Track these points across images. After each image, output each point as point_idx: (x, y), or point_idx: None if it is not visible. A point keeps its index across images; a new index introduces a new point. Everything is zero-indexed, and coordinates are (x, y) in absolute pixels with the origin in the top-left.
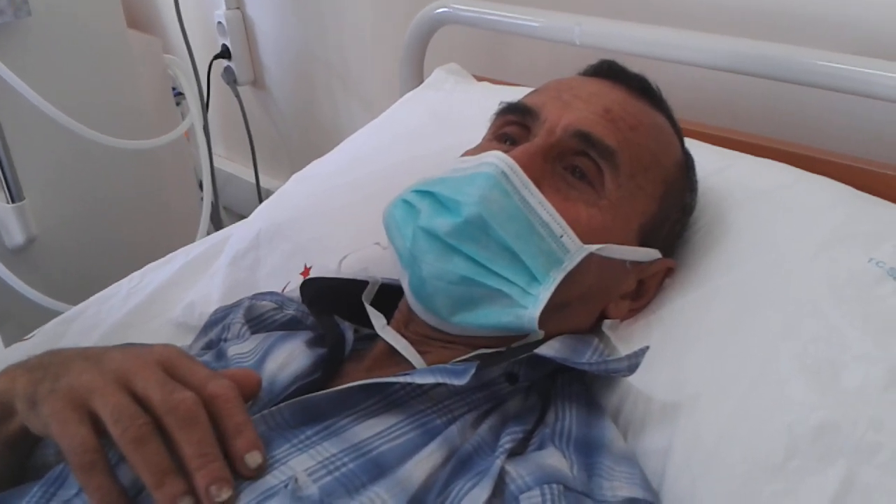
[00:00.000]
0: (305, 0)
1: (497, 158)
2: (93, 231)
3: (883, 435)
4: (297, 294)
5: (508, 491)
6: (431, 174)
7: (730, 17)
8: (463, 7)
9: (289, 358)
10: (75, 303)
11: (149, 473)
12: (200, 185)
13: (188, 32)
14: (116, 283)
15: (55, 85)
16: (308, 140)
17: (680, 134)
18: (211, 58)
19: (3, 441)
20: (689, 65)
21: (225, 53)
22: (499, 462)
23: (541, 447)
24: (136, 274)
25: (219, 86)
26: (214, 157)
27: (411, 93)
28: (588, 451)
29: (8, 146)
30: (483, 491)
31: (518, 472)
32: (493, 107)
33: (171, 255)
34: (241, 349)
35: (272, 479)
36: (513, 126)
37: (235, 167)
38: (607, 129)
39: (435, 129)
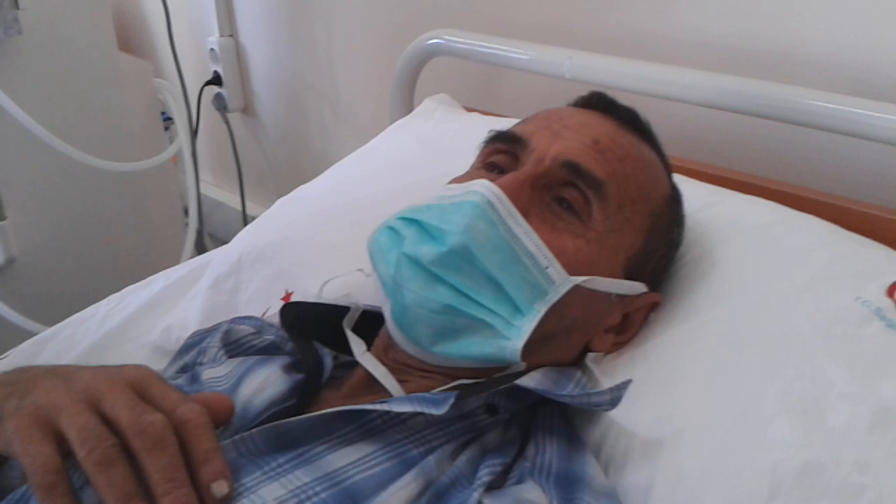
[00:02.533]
0: (298, 29)
1: (483, 187)
2: (74, 252)
3: (867, 477)
4: (276, 319)
5: None
6: (418, 201)
7: (719, 56)
8: (455, 39)
9: (264, 383)
10: (53, 324)
11: (113, 497)
12: (186, 211)
13: (180, 58)
14: (94, 305)
15: (43, 104)
16: (297, 168)
17: (668, 167)
18: (202, 84)
19: None
20: (678, 101)
21: (216, 80)
22: (476, 496)
23: (520, 481)
24: (114, 296)
25: (209, 112)
26: (201, 184)
27: (400, 121)
28: (568, 486)
29: None
30: None
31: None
32: (481, 137)
33: (151, 278)
34: (216, 373)
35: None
36: (501, 155)
37: (222, 194)
38: (596, 160)
39: (422, 158)
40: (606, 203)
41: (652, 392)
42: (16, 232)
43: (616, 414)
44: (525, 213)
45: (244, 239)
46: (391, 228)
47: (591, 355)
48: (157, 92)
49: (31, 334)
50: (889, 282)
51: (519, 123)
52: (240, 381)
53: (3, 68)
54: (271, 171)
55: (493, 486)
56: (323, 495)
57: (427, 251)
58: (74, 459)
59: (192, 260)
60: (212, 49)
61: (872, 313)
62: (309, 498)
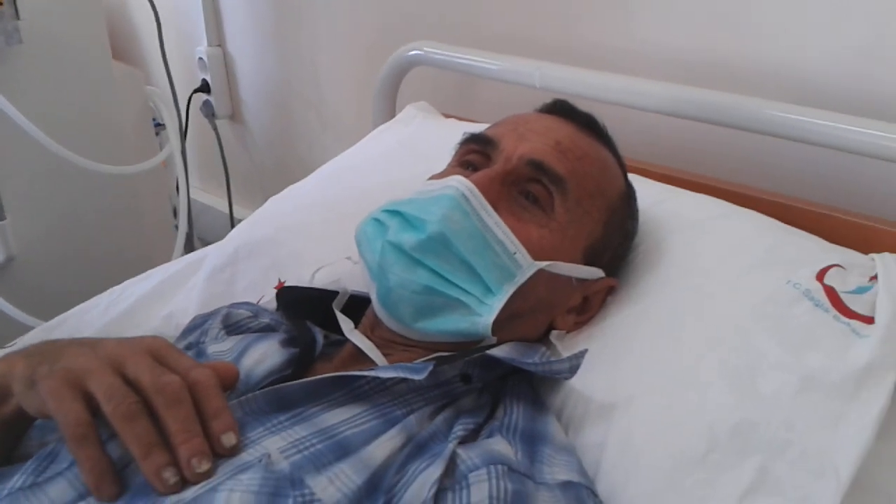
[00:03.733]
0: (284, 39)
1: (459, 182)
2: (70, 251)
3: (794, 434)
4: (271, 305)
5: (458, 470)
6: (399, 196)
7: (674, 67)
8: (434, 50)
9: (263, 355)
10: (50, 320)
11: (137, 446)
12: (175, 212)
13: (170, 66)
14: (97, 297)
15: (41, 109)
16: (283, 173)
17: (623, 167)
18: (191, 91)
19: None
20: (636, 108)
21: (204, 88)
22: (451, 446)
23: (490, 436)
24: (115, 288)
25: (197, 119)
26: (189, 188)
27: (383, 126)
28: (532, 441)
29: None
30: (436, 469)
31: (468, 454)
32: (456, 140)
33: (150, 271)
34: (220, 348)
35: (247, 455)
36: (474, 154)
37: (210, 198)
38: (558, 159)
39: (403, 159)
40: (567, 197)
41: (606, 364)
42: (15, 231)
43: (575, 382)
44: (495, 206)
45: (239, 233)
46: (376, 220)
47: (554, 333)
48: (149, 99)
49: (29, 329)
50: (819, 268)
51: (490, 127)
52: (242, 353)
53: (4, 75)
54: (258, 175)
55: (466, 441)
56: (319, 446)
57: (409, 238)
58: (102, 416)
59: (188, 255)
60: (200, 58)
61: (802, 294)
62: (307, 448)
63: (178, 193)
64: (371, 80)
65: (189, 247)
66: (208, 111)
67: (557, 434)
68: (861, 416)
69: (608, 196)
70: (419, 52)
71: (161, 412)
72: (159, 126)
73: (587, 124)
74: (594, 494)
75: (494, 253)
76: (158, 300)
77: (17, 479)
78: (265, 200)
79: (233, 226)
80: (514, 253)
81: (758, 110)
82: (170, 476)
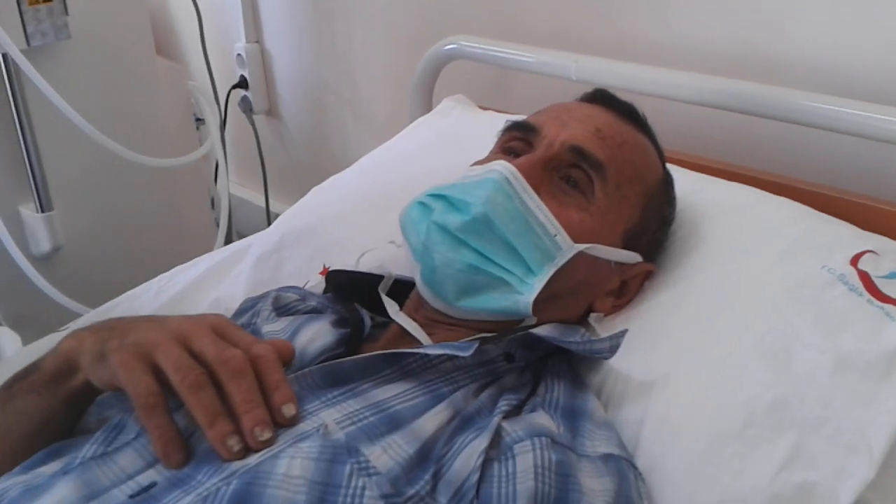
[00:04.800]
0: (320, 35)
1: (502, 167)
2: (114, 243)
3: (828, 411)
4: (316, 290)
5: (504, 442)
6: (442, 182)
7: (710, 59)
8: (470, 44)
9: (316, 335)
10: (96, 307)
11: (203, 414)
12: (212, 204)
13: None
14: (146, 283)
15: (87, 103)
16: (318, 167)
17: (662, 155)
18: (229, 87)
19: (64, 397)
20: (672, 99)
21: (242, 83)
22: (496, 420)
23: (532, 411)
24: (164, 275)
25: (235, 114)
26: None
27: (422, 118)
28: (573, 416)
29: (41, 159)
30: (482, 441)
31: (512, 427)
32: (495, 131)
33: (196, 259)
34: (274, 328)
35: (305, 426)
36: (517, 141)
37: (247, 192)
38: (598, 145)
39: (442, 150)
40: (607, 182)
41: (645, 345)
42: (63, 222)
43: (614, 362)
44: (537, 190)
45: (284, 222)
46: (421, 203)
47: (593, 315)
48: (191, 94)
49: (76, 315)
50: (852, 253)
51: (532, 115)
52: (295, 333)
53: (54, 69)
54: (294, 169)
55: (510, 416)
56: (372, 419)
57: (453, 219)
58: (169, 388)
59: (233, 244)
60: (238, 54)
61: (837, 279)
62: (361, 420)
63: (216, 186)
64: (406, 76)
65: (228, 240)
66: (246, 107)
67: (597, 410)
68: (894, 395)
69: (646, 182)
70: (456, 45)
71: (225, 384)
72: (199, 121)
73: (627, 113)
74: (634, 467)
75: (536, 235)
76: (206, 286)
77: (88, 449)
78: (301, 195)
79: (269, 219)
80: (555, 235)
81: (791, 100)
82: (234, 443)
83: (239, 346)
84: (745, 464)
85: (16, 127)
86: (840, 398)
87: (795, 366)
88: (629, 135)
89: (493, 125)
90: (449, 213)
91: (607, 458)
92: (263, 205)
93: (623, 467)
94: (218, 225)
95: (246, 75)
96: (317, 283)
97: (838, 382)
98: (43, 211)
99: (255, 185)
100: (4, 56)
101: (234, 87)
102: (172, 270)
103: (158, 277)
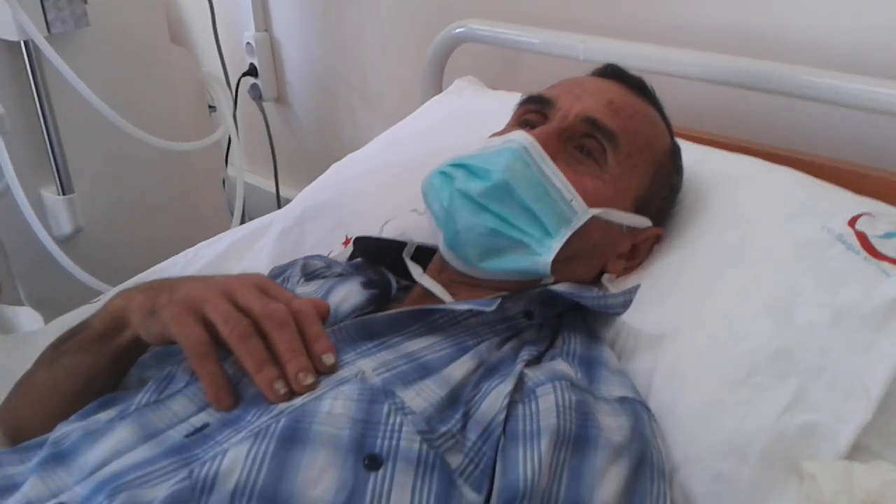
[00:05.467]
0: (329, 23)
1: (521, 136)
2: (132, 226)
3: (828, 359)
4: (341, 259)
5: (527, 387)
6: (462, 154)
7: (712, 38)
8: (480, 27)
9: (347, 294)
10: (116, 286)
11: (251, 361)
12: (224, 183)
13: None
14: (173, 257)
15: (105, 90)
16: (327, 153)
17: (670, 127)
18: (239, 75)
19: (113, 353)
20: (676, 77)
21: (252, 72)
22: (519, 367)
23: (551, 360)
24: (189, 250)
25: (245, 101)
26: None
27: (435, 98)
28: (589, 365)
29: (62, 142)
30: (507, 385)
31: (534, 373)
32: (507, 109)
33: (219, 235)
34: (306, 290)
35: (344, 372)
36: (533, 114)
37: (257, 179)
38: (610, 116)
39: (457, 127)
40: (619, 151)
41: (655, 302)
42: (83, 204)
43: (626, 318)
44: (553, 158)
45: (305, 197)
46: (442, 173)
47: (606, 276)
48: (204, 81)
49: (97, 294)
50: (850, 215)
51: (546, 89)
52: (328, 293)
53: (74, 55)
54: (303, 156)
55: (531, 364)
56: (404, 367)
57: (475, 186)
58: (217, 339)
59: (255, 221)
60: (248, 43)
61: (836, 239)
62: (394, 368)
63: (226, 168)
64: (415, 61)
65: (242, 223)
66: (255, 94)
67: (612, 360)
68: (890, 344)
69: (656, 151)
70: (465, 28)
71: (270, 334)
72: (211, 108)
73: (637, 87)
74: (647, 409)
75: (553, 200)
76: (230, 260)
77: (142, 397)
78: (311, 181)
79: (279, 205)
80: (571, 200)
81: (790, 75)
82: (280, 387)
83: (280, 301)
84: (750, 408)
85: (37, 112)
86: (839, 348)
87: (797, 319)
88: (640, 107)
89: (505, 103)
90: (470, 180)
91: (622, 400)
92: (274, 190)
93: (637, 408)
94: (231, 211)
95: (255, 63)
96: (339, 252)
97: (837, 333)
98: (64, 193)
99: (266, 172)
100: (26, 43)
101: (244, 74)
102: (197, 245)
103: (184, 252)
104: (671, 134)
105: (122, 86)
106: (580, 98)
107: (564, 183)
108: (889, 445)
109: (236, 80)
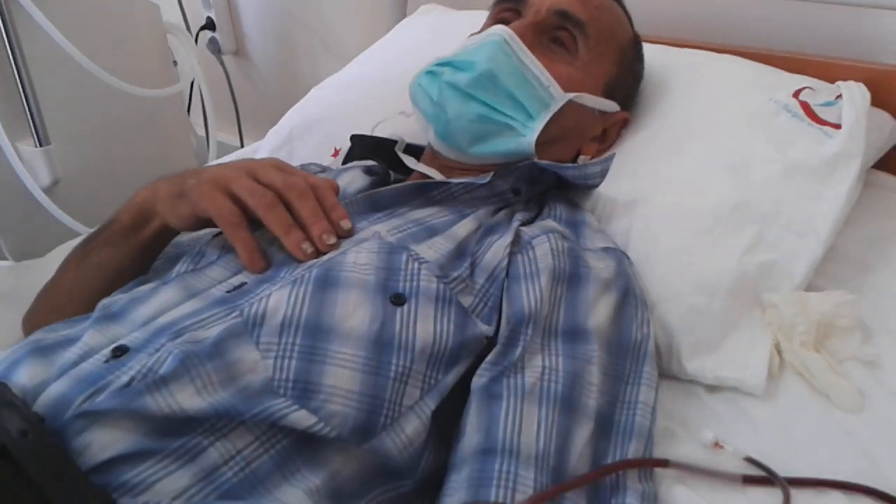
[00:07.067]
0: None
1: (500, 29)
2: (107, 176)
3: (782, 207)
4: (334, 168)
5: (523, 240)
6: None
7: None
8: None
9: (352, 179)
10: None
11: (279, 226)
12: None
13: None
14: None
15: (70, 41)
16: (289, 102)
17: (630, 18)
18: (197, 29)
19: (140, 244)
20: None
21: (210, 25)
22: (515, 224)
23: (542, 220)
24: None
25: (204, 56)
26: (198, 124)
27: (405, 20)
28: (574, 225)
29: (36, 93)
30: (507, 238)
31: (529, 230)
32: (477, 24)
33: (210, 163)
34: None
35: (362, 234)
36: (507, 12)
37: (220, 134)
38: (579, 7)
39: (433, 43)
40: (588, 39)
41: (626, 174)
42: (59, 155)
43: (603, 189)
44: (531, 49)
45: (291, 117)
46: (429, 72)
47: (581, 158)
48: (168, 32)
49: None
50: (794, 88)
51: None
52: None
53: (38, 6)
54: (266, 106)
55: (525, 225)
56: (414, 229)
57: (462, 77)
58: (246, 214)
59: (241, 150)
60: None
61: (782, 108)
62: (405, 230)
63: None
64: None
65: None
66: (214, 48)
67: (593, 221)
68: (834, 192)
69: (620, 40)
70: None
71: (293, 203)
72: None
73: None
74: (627, 257)
75: (532, 86)
76: None
77: (180, 267)
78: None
79: None
80: (549, 86)
81: None
82: (307, 247)
83: (298, 177)
84: (715, 252)
85: (10, 64)
86: (790, 197)
87: (753, 175)
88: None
89: (475, 20)
90: (457, 73)
91: (606, 249)
92: (238, 144)
93: (619, 255)
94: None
95: (212, 16)
96: (329, 164)
97: (789, 185)
98: (41, 145)
99: (229, 127)
100: None
101: (202, 28)
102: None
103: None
104: (632, 24)
105: (86, 38)
106: None
107: (542, 70)
108: (837, 287)
109: (194, 35)
